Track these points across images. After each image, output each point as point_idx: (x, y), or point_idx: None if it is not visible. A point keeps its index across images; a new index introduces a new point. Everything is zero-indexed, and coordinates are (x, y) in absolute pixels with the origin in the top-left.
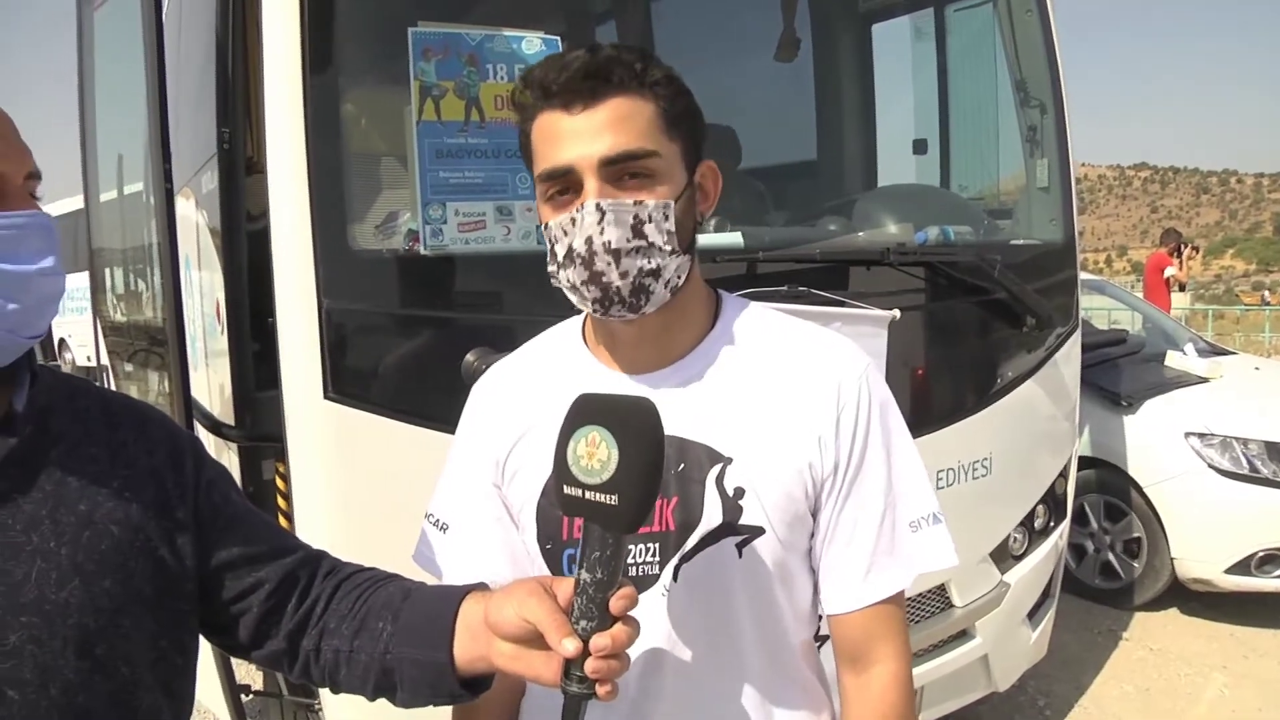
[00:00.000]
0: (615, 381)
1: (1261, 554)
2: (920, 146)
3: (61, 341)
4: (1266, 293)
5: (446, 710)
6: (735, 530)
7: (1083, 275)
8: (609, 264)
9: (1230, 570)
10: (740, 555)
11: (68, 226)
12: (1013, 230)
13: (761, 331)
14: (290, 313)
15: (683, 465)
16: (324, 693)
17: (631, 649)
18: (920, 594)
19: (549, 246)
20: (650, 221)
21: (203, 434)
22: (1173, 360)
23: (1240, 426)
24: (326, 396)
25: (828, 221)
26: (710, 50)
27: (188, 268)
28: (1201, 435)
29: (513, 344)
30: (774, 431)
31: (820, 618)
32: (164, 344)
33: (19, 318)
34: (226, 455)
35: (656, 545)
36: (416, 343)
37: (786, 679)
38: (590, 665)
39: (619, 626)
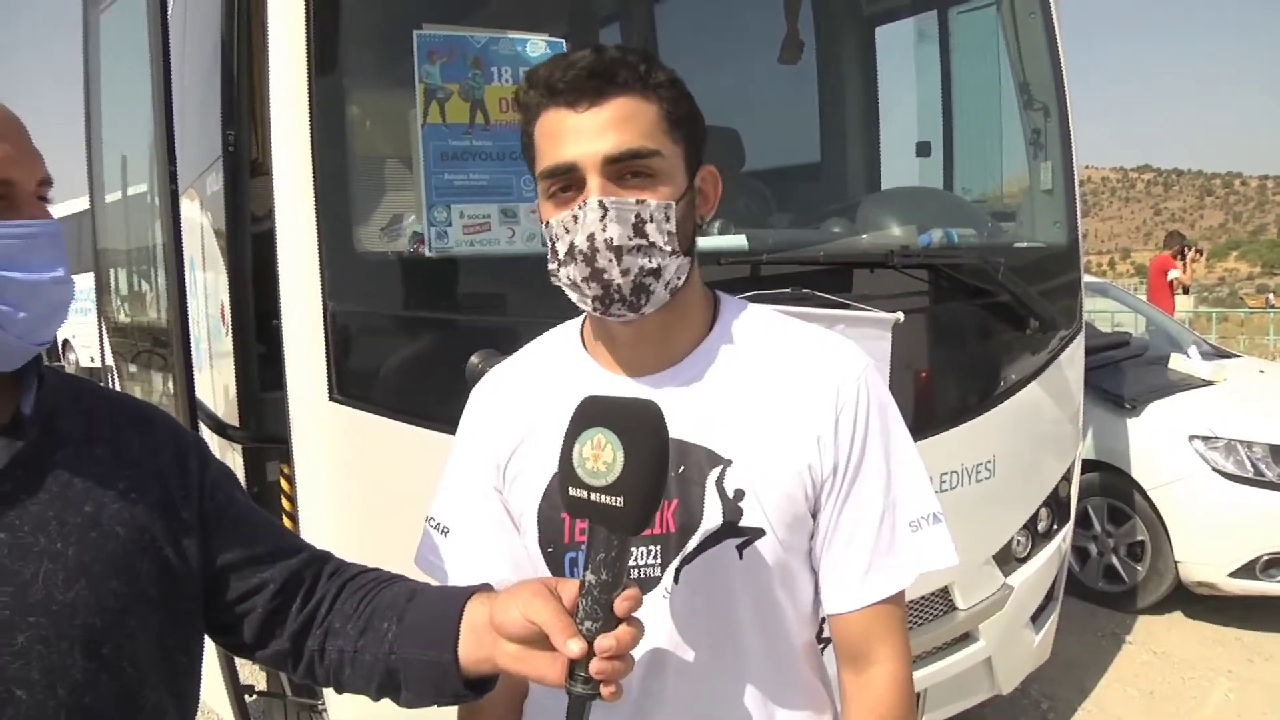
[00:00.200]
0: (616, 384)
1: (1266, 557)
2: (924, 149)
3: (66, 342)
4: (1271, 295)
5: (451, 711)
6: (736, 532)
7: (1086, 278)
8: (610, 261)
9: (1234, 574)
10: (741, 557)
11: (71, 227)
12: (1016, 233)
13: (760, 333)
14: (295, 314)
15: (683, 467)
16: (328, 693)
17: (634, 650)
18: (923, 597)
19: (550, 244)
20: (651, 221)
21: (207, 435)
22: (1176, 363)
23: (1244, 429)
24: (331, 398)
25: (831, 224)
26: (714, 53)
27: (192, 269)
28: (1205, 438)
29: (517, 346)
30: (773, 433)
31: (823, 619)
32: (168, 345)
33: (29, 325)
34: (231, 456)
35: (658, 547)
36: (421, 345)
37: (788, 680)
38: (595, 666)
39: (624, 628)
